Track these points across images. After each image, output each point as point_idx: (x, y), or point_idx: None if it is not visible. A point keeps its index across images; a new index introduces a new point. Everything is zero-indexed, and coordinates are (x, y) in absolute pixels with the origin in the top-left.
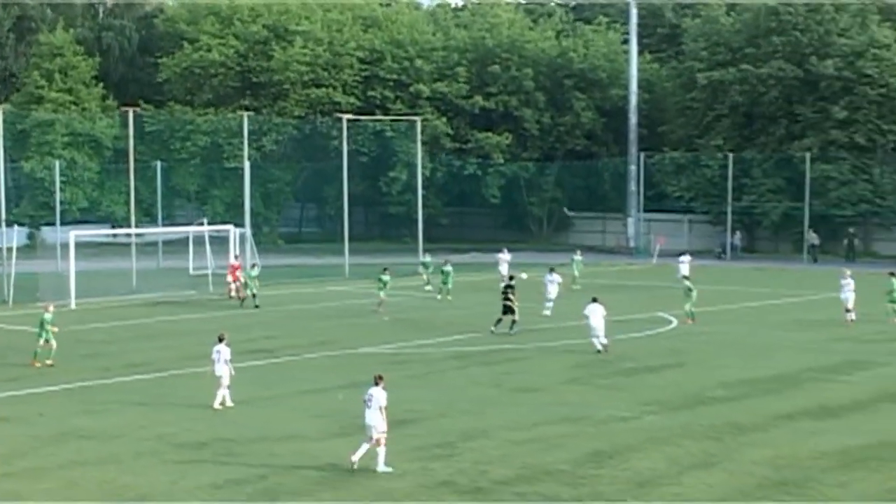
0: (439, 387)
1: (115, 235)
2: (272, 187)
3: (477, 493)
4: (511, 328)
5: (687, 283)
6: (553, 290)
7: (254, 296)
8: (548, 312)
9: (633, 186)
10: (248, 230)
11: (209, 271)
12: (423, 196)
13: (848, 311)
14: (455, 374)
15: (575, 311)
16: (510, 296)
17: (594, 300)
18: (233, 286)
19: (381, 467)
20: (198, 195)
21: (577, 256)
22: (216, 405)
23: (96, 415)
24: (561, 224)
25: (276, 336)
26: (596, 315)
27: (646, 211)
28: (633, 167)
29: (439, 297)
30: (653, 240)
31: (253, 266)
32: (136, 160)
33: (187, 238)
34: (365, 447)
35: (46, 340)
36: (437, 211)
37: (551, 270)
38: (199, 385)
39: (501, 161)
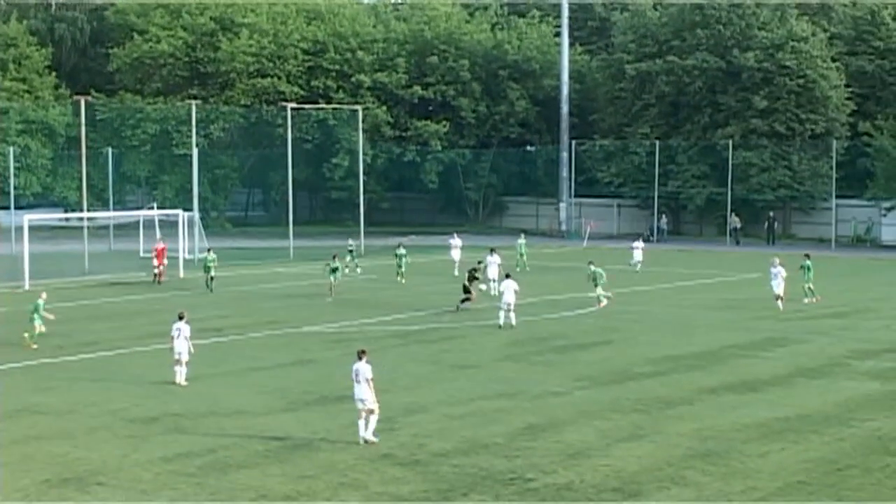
0: (380, 364)
1: (67, 219)
2: (219, 173)
3: (416, 465)
4: (459, 305)
5: (592, 267)
6: (493, 271)
7: (211, 279)
8: (494, 293)
9: (564, 172)
10: (196, 214)
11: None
12: (365, 181)
13: (779, 297)
14: (395, 352)
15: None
16: (475, 277)
17: (507, 276)
18: (158, 269)
19: (369, 435)
20: (148, 181)
21: (521, 240)
22: (182, 381)
23: (50, 392)
24: (496, 208)
25: (225, 315)
26: (509, 291)
27: (577, 196)
28: (564, 154)
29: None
30: (584, 223)
31: (209, 251)
32: (87, 147)
33: (138, 222)
34: (363, 421)
35: (38, 323)
36: (378, 196)
37: (492, 251)
38: (148, 363)
39: (439, 148)
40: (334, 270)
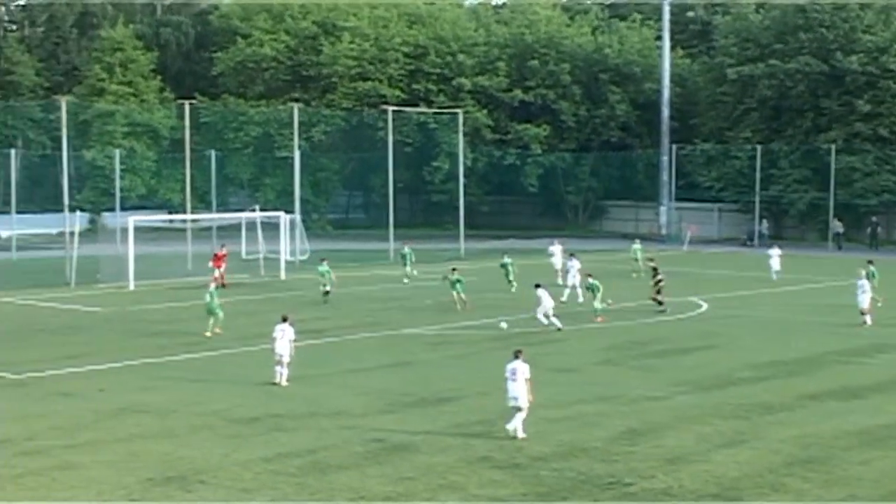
0: (480, 367)
1: (171, 221)
2: (321, 176)
3: (515, 468)
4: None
5: (591, 280)
6: (572, 277)
7: (327, 292)
8: (563, 299)
9: (665, 176)
10: (297, 216)
11: (261, 256)
12: (465, 185)
13: (863, 312)
14: (495, 355)
15: (629, 296)
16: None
17: (537, 286)
18: (217, 273)
19: (519, 432)
20: (250, 183)
21: (637, 245)
22: (284, 382)
23: (153, 391)
24: (596, 212)
25: (325, 317)
26: (546, 297)
27: (677, 200)
28: (665, 158)
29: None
30: (684, 227)
31: (322, 261)
32: (191, 149)
33: (240, 224)
34: (518, 417)
35: (213, 312)
36: (477, 199)
37: (571, 256)
38: (250, 363)
39: (539, 152)
40: (455, 283)
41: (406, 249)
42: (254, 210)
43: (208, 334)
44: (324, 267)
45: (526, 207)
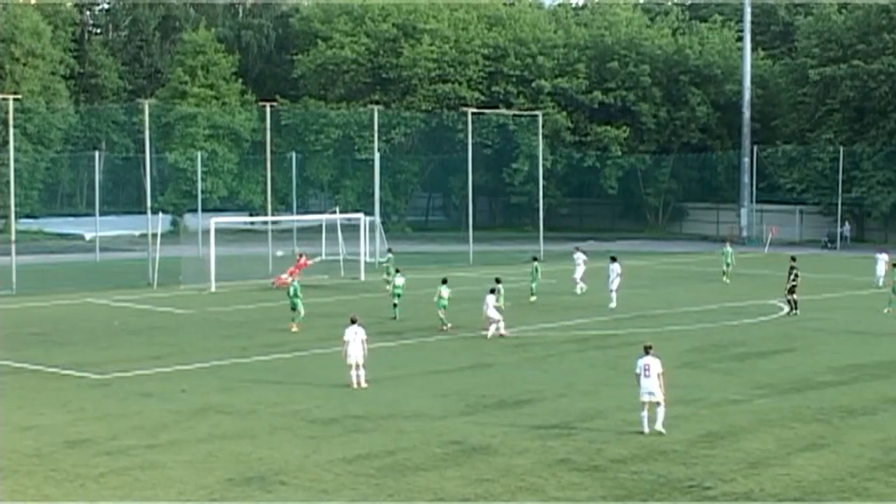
0: (558, 369)
1: (252, 222)
2: (400, 178)
3: (594, 470)
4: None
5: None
6: (615, 282)
7: (394, 305)
8: (613, 305)
9: (746, 178)
10: (377, 218)
11: (341, 257)
12: (544, 187)
13: None
14: (573, 357)
15: (710, 299)
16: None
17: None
18: (286, 277)
19: (659, 426)
20: (330, 185)
21: (728, 248)
22: (363, 383)
23: (233, 392)
24: (676, 214)
25: (403, 319)
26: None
27: (758, 202)
28: (746, 160)
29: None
30: (765, 229)
31: (396, 271)
32: (272, 152)
33: (320, 225)
34: (646, 413)
35: (294, 308)
36: (557, 201)
37: (613, 260)
38: (330, 364)
39: (619, 154)
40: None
41: (389, 256)
42: (334, 212)
43: (295, 329)
44: (398, 282)
45: (605, 209)
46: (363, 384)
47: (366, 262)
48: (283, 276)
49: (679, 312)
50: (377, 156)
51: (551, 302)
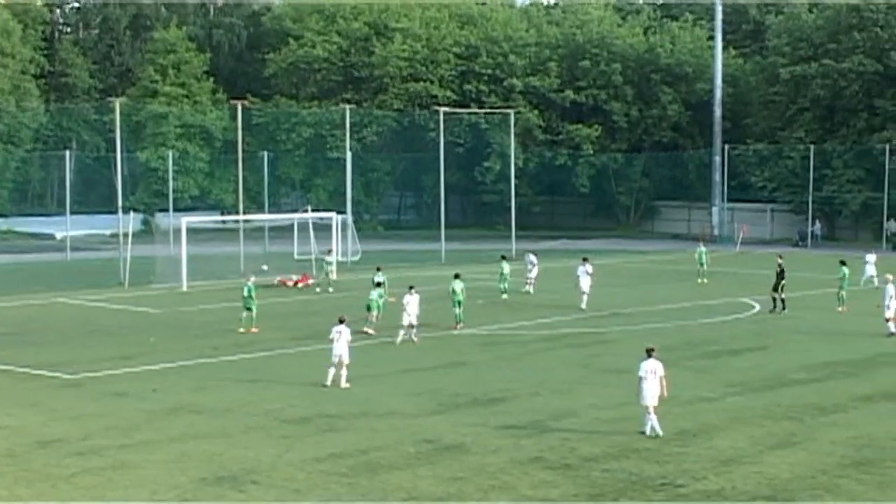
0: (530, 368)
1: (224, 221)
2: (372, 176)
3: (566, 469)
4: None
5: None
6: (586, 283)
7: (328, 282)
8: (583, 306)
9: (717, 177)
10: (349, 217)
11: (312, 256)
12: (516, 185)
13: (888, 320)
14: (546, 356)
15: (681, 296)
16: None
17: (411, 288)
18: (291, 281)
19: (658, 431)
20: (302, 184)
21: (702, 248)
22: (343, 384)
23: (206, 391)
24: (648, 212)
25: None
26: (412, 304)
27: (730, 200)
28: (717, 158)
29: (323, 289)
30: (736, 228)
31: (329, 251)
32: (244, 150)
33: (292, 224)
34: (652, 415)
35: (249, 309)
36: (529, 199)
37: (584, 261)
38: (303, 363)
39: (591, 152)
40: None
41: (328, 257)
42: (306, 211)
43: (242, 330)
44: (330, 257)
45: (577, 208)
46: (343, 384)
47: (337, 262)
48: (290, 279)
49: (652, 310)
50: (349, 154)
51: (524, 300)
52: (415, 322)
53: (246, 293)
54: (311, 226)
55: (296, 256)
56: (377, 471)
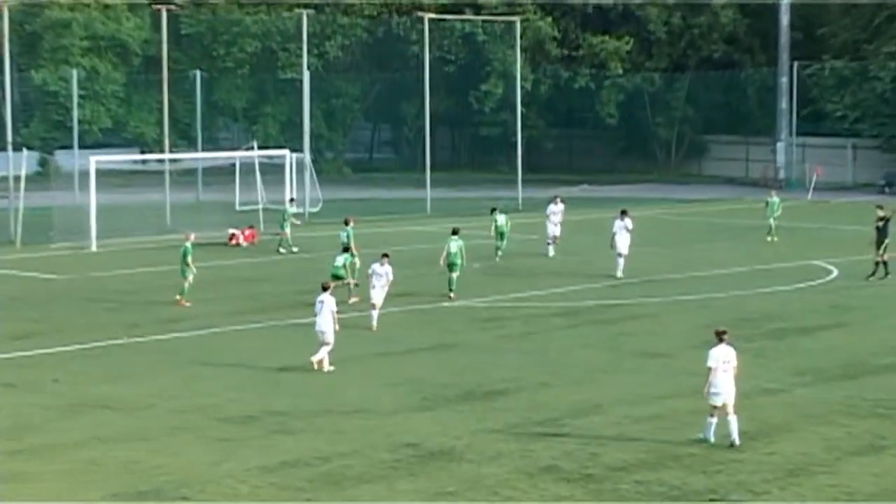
0: (542, 350)
1: (144, 162)
2: (337, 104)
3: (588, 480)
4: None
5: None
6: (623, 242)
7: (286, 241)
8: (619, 273)
9: (783, 104)
10: (307, 156)
11: (260, 207)
12: (523, 115)
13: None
14: (561, 335)
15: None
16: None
17: (345, 249)
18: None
19: (735, 439)
20: (246, 113)
21: (774, 198)
22: (326, 366)
23: (122, 381)
24: (693, 150)
25: (343, 286)
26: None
27: (799, 134)
28: (784, 80)
29: (287, 249)
30: (808, 170)
31: (291, 200)
32: (170, 70)
33: (233, 166)
34: (714, 419)
35: (186, 276)
36: (540, 133)
37: (623, 214)
38: (247, 345)
39: (620, 72)
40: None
41: (290, 208)
42: (250, 148)
43: (187, 303)
44: (292, 208)
45: (602, 145)
46: (326, 367)
47: (293, 214)
48: (242, 233)
49: (697, 277)
50: (306, 75)
51: (533, 265)
52: (379, 303)
53: (183, 256)
54: (257, 167)
55: (238, 207)
56: (342, 484)
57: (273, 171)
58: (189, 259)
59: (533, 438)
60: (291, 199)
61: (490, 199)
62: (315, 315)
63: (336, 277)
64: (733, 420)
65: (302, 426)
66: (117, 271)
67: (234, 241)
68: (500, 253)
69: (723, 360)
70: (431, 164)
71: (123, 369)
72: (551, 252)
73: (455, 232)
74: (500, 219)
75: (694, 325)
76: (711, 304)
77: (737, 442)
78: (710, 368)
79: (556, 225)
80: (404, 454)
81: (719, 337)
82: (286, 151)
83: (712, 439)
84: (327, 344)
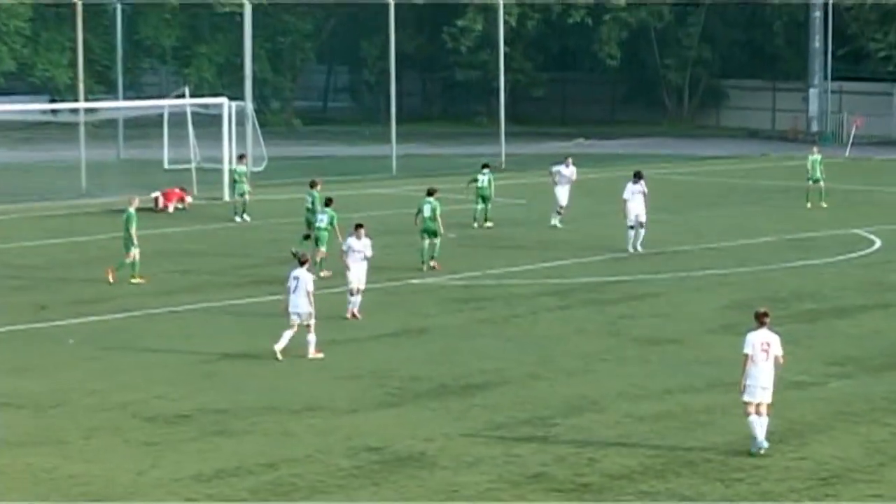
0: (529, 336)
1: (54, 112)
2: (284, 42)
3: (583, 491)
4: None
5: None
6: (637, 208)
7: (243, 203)
8: (633, 249)
9: (816, 42)
10: (248, 105)
11: (193, 165)
12: (507, 56)
13: None
14: (553, 318)
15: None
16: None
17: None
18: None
19: (762, 443)
20: (176, 53)
21: (815, 154)
22: (312, 352)
23: (29, 374)
24: (709, 98)
25: (292, 259)
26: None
27: (836, 79)
28: (817, 14)
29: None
30: (846, 121)
31: (241, 157)
32: (84, 2)
33: (161, 117)
34: (758, 418)
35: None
36: (527, 78)
37: (636, 177)
38: (178, 330)
39: (622, 4)
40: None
41: (239, 166)
42: (182, 95)
43: (139, 279)
44: (242, 167)
45: (602, 91)
46: (312, 353)
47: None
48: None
49: (712, 248)
50: (248, 8)
51: (518, 235)
52: (361, 286)
53: (126, 224)
54: (189, 118)
55: (166, 166)
56: (292, 495)
57: (208, 123)
58: (133, 229)
59: (518, 441)
60: (241, 156)
61: (467, 156)
62: (288, 293)
63: (312, 241)
64: (763, 421)
65: (244, 427)
66: (23, 243)
67: (160, 207)
68: (487, 221)
69: (761, 347)
70: (397, 114)
71: (30, 360)
72: (558, 222)
73: (430, 193)
74: (483, 178)
75: (709, 305)
76: (730, 281)
77: (763, 446)
78: (745, 356)
79: (565, 191)
80: (365, 460)
81: (759, 320)
82: (224, 99)
83: (765, 444)
84: (295, 328)
